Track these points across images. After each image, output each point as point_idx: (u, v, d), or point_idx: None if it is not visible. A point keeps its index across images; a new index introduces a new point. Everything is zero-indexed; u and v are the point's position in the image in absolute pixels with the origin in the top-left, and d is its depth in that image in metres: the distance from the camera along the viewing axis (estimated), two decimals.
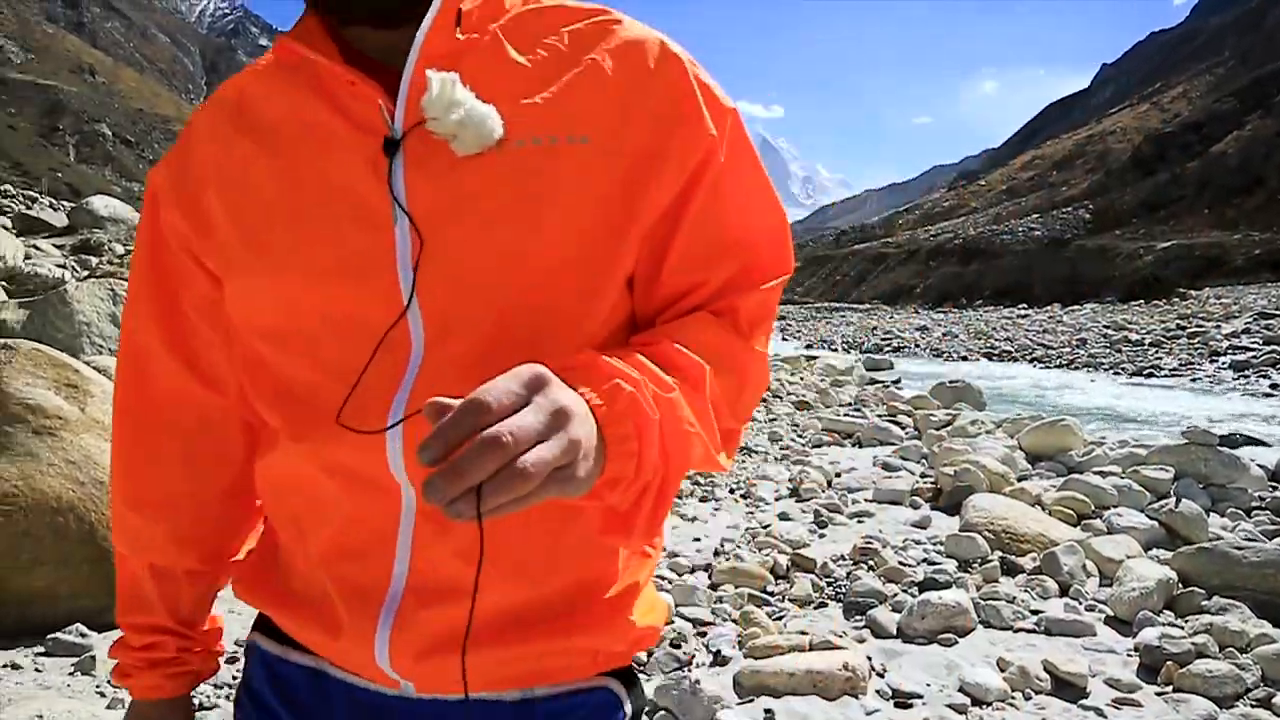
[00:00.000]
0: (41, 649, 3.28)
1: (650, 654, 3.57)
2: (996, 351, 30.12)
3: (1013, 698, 3.28)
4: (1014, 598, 4.23)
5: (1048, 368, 25.02)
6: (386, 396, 0.79)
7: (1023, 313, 49.26)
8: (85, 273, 7.81)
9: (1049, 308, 49.21)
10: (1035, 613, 4.08)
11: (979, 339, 35.10)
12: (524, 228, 0.79)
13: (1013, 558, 4.77)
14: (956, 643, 3.76)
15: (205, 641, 1.07)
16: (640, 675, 2.95)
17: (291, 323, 0.84)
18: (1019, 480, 6.57)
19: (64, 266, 8.61)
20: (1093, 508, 5.75)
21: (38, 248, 8.65)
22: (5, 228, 8.75)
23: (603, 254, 0.82)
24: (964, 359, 28.85)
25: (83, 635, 3.32)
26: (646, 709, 2.78)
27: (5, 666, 3.13)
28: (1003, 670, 3.47)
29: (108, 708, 2.86)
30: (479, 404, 0.56)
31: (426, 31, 0.78)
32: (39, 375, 3.61)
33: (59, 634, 3.27)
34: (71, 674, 3.14)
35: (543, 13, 0.86)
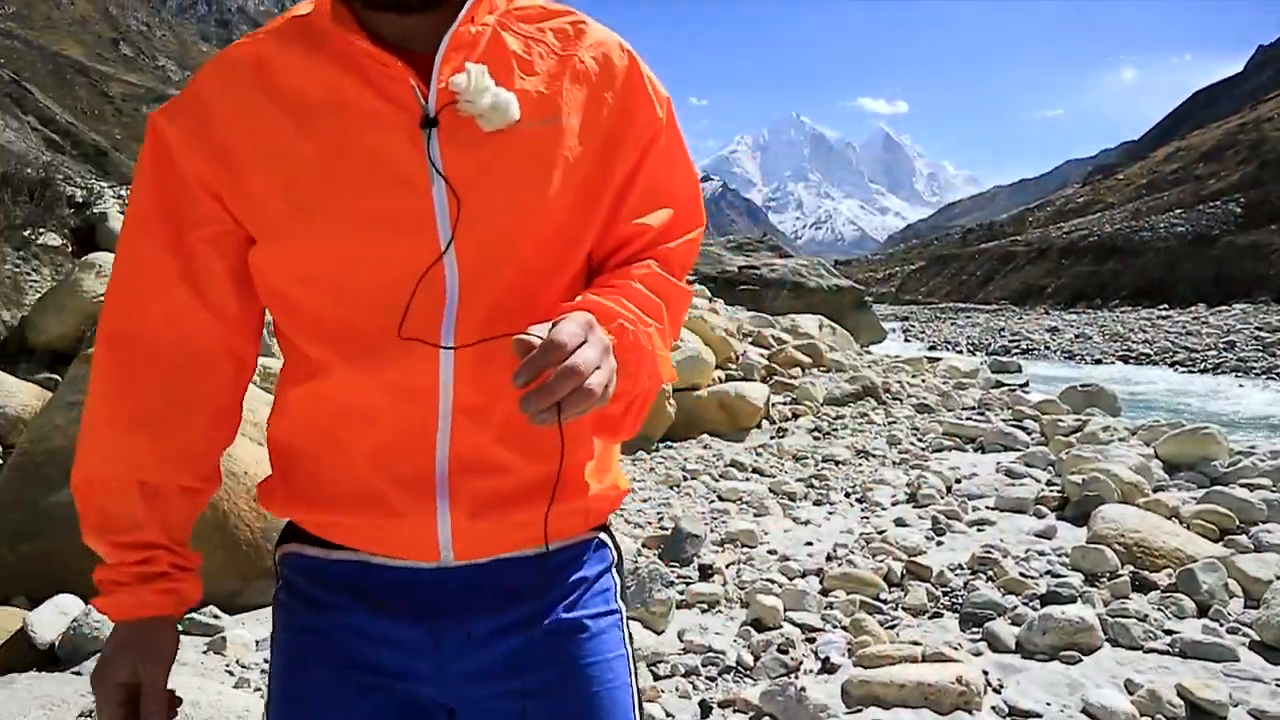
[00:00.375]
0: (179, 628, 3.50)
1: (757, 658, 3.55)
2: (1134, 354, 28.59)
3: None
4: (1145, 615, 4.00)
5: (1191, 372, 23.59)
6: (433, 325, 0.97)
7: (1163, 313, 46.52)
8: None
9: (1193, 308, 46.35)
10: (1169, 633, 3.85)
11: (1115, 341, 33.38)
12: (537, 191, 0.99)
13: (1145, 573, 4.51)
14: (1080, 660, 3.58)
15: (192, 563, 1.12)
16: (746, 679, 2.89)
17: (337, 271, 0.99)
18: (1154, 491, 6.20)
19: None
20: (1238, 523, 5.38)
21: None
22: None
23: (585, 214, 1.04)
24: (1098, 362, 27.50)
25: (215, 617, 3.54)
26: (751, 713, 2.76)
27: None
28: (1130, 693, 3.28)
29: (234, 687, 3.04)
30: (558, 343, 0.79)
31: (458, 25, 0.96)
32: None
33: (194, 614, 3.48)
34: (204, 653, 3.35)
35: (526, 11, 1.05)
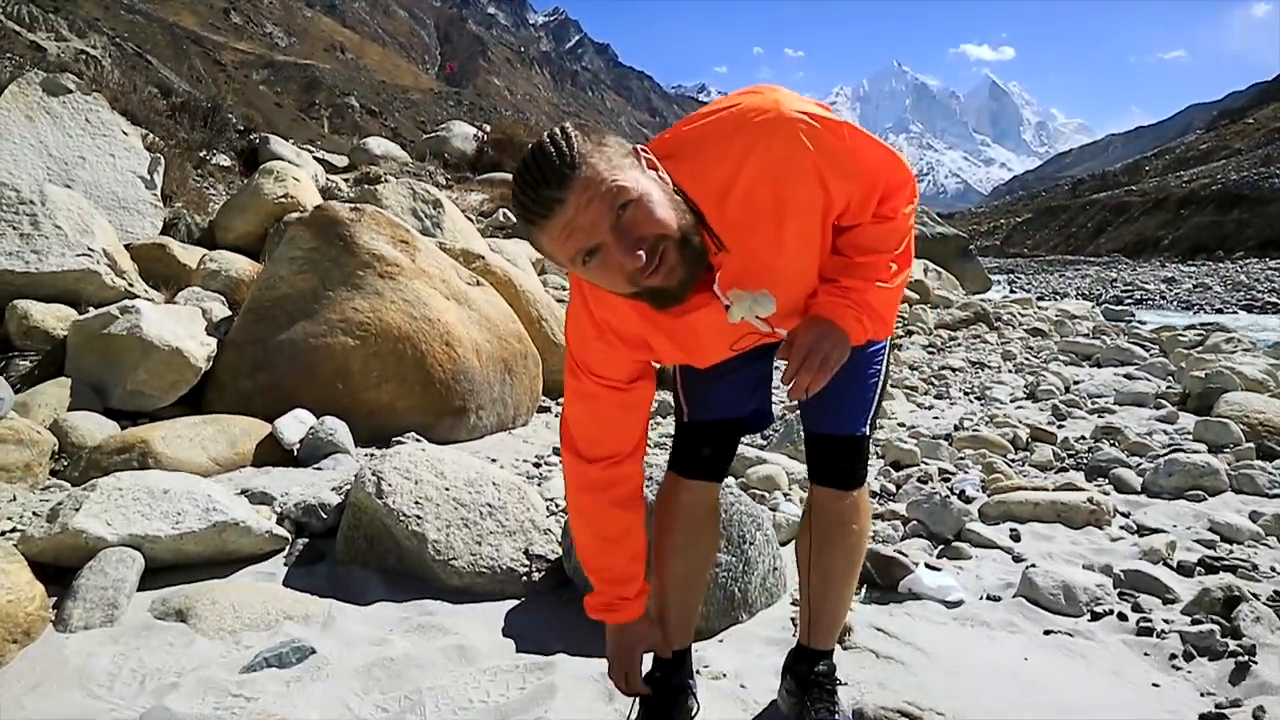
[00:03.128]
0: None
1: (899, 487, 3.89)
2: (1259, 304, 27.23)
3: (1266, 540, 3.32)
4: (1271, 473, 4.17)
5: None
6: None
7: None
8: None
9: None
10: None
11: (1237, 290, 31.76)
12: (809, 281, 1.59)
13: (1270, 444, 4.64)
14: (1205, 499, 3.79)
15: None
16: (892, 503, 3.26)
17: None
18: None
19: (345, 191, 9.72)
20: None
21: (329, 179, 9.94)
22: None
23: (823, 254, 1.58)
24: (1219, 311, 26.33)
25: (417, 441, 4.05)
26: (899, 520, 3.10)
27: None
28: (1255, 520, 3.50)
29: None
30: (798, 350, 1.49)
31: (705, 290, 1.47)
32: (380, 232, 4.39)
33: (403, 440, 4.01)
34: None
35: (714, 182, 1.45)
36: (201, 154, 7.85)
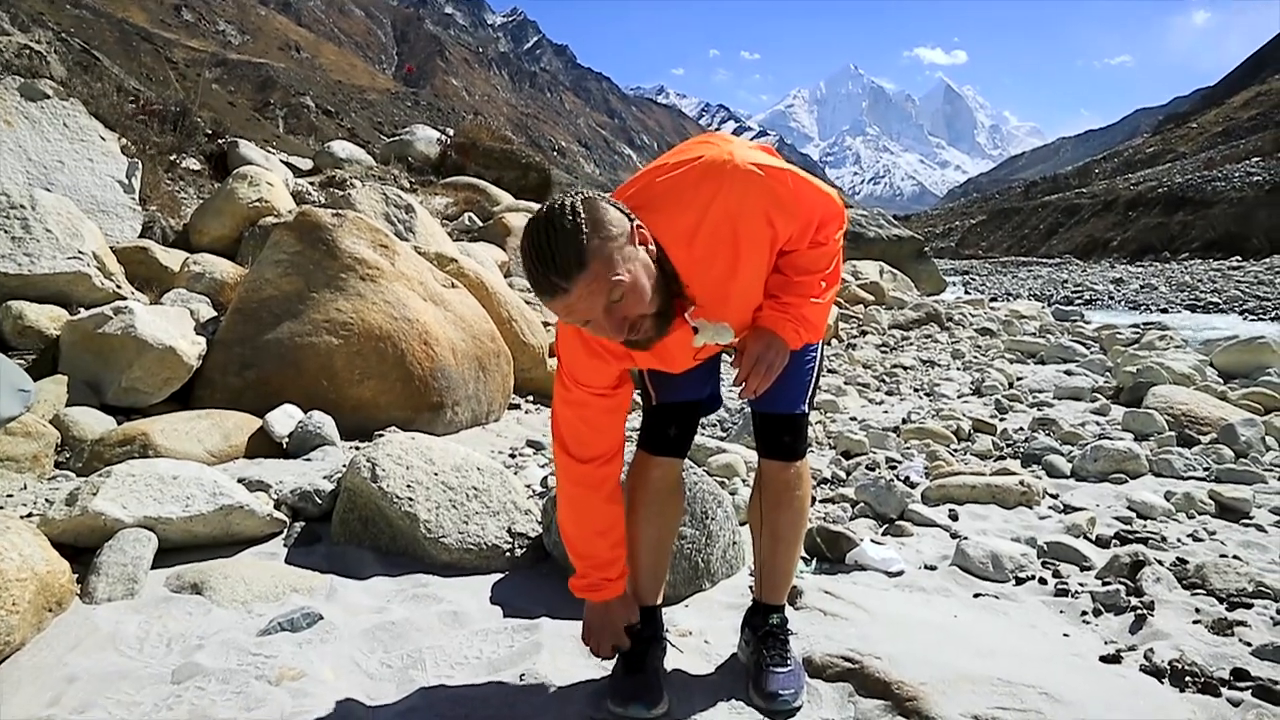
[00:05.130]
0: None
1: (849, 474, 4.21)
2: (1201, 304, 28.13)
3: (1176, 516, 3.69)
4: (1187, 458, 4.55)
5: (1261, 319, 23.30)
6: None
7: (1236, 265, 45.37)
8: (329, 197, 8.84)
9: (1269, 259, 45.10)
10: (1206, 468, 4.39)
11: (1182, 291, 32.73)
12: (756, 299, 1.91)
13: (1189, 432, 5.03)
14: (1126, 482, 4.16)
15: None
16: (842, 488, 3.57)
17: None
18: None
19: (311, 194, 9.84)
20: None
21: (297, 182, 10.05)
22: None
23: (767, 275, 1.90)
24: (1163, 311, 27.15)
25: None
26: (847, 503, 3.40)
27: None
28: (1168, 499, 3.86)
29: None
30: (750, 358, 1.86)
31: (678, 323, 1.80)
32: (361, 237, 4.62)
33: (383, 433, 4.23)
34: None
35: (681, 228, 1.78)
36: (172, 158, 7.97)
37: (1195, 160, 76.13)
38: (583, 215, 1.59)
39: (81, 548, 2.69)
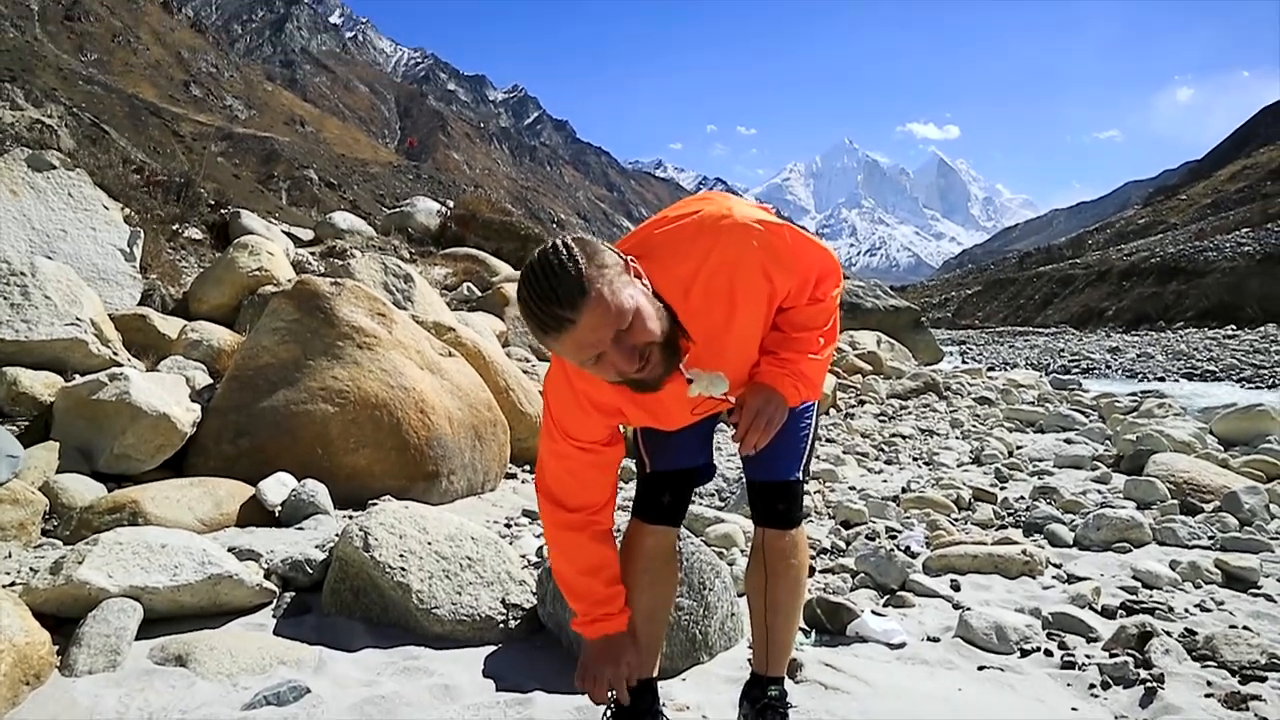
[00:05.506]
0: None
1: (849, 544, 4.15)
2: (1199, 372, 28.19)
3: (1183, 585, 3.63)
4: (1190, 526, 4.49)
5: (1258, 387, 23.31)
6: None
7: (1231, 333, 45.61)
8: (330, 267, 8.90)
9: (1263, 328, 45.34)
10: (1211, 537, 4.34)
11: (1179, 359, 32.83)
12: (753, 354, 1.90)
13: (1192, 501, 4.99)
14: (1130, 551, 4.11)
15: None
16: (842, 558, 3.52)
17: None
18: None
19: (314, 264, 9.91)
20: None
21: (298, 252, 10.14)
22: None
23: (764, 330, 1.89)
24: (1160, 379, 27.19)
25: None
26: (848, 574, 3.35)
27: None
28: (1174, 568, 3.80)
29: None
30: (749, 412, 1.83)
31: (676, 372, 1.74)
32: (359, 305, 4.63)
33: (376, 502, 4.18)
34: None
35: (679, 278, 1.77)
36: (174, 227, 8.05)
37: (1186, 231, 77.13)
38: (575, 249, 1.57)
39: (64, 618, 2.62)
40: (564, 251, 1.56)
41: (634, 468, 2.20)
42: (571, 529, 1.99)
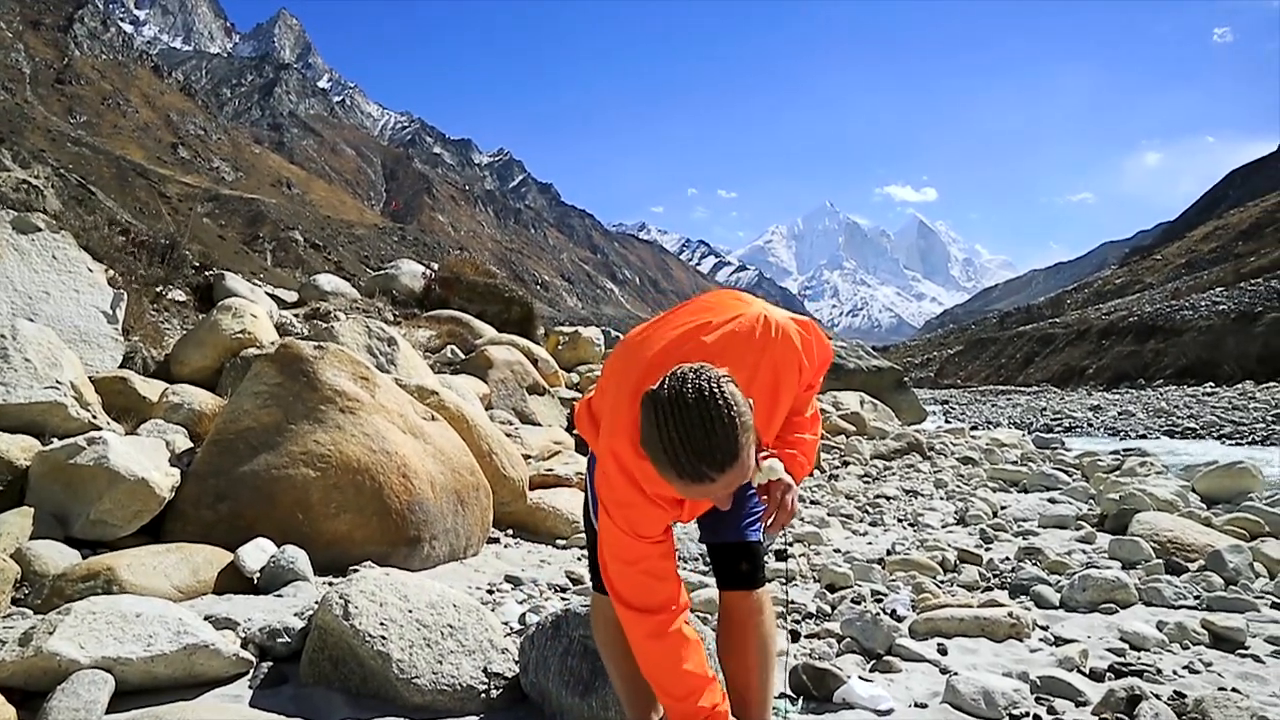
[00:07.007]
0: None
1: (834, 608, 4.11)
2: (1179, 429, 28.39)
3: (1170, 646, 3.61)
4: (1176, 586, 4.49)
5: (1239, 444, 23.46)
6: None
7: (1210, 390, 46.07)
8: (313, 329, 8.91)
9: (1240, 385, 45.84)
10: (1197, 597, 4.33)
11: (1159, 417, 33.10)
12: (777, 429, 2.17)
13: (1177, 560, 4.99)
14: (1116, 612, 4.09)
15: None
16: (828, 623, 3.50)
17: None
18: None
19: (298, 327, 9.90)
20: (1267, 529, 5.82)
21: (282, 314, 10.13)
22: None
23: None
24: (1142, 437, 27.37)
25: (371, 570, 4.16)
26: (834, 638, 3.32)
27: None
28: (1161, 629, 3.79)
29: None
30: (774, 497, 2.07)
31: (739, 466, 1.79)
32: (341, 369, 4.61)
33: (358, 568, 4.12)
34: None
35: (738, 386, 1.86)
36: (158, 289, 8.05)
37: (1163, 290, 78.41)
38: (735, 408, 1.69)
39: (32, 691, 2.56)
40: (726, 410, 1.67)
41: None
42: (658, 636, 2.01)
